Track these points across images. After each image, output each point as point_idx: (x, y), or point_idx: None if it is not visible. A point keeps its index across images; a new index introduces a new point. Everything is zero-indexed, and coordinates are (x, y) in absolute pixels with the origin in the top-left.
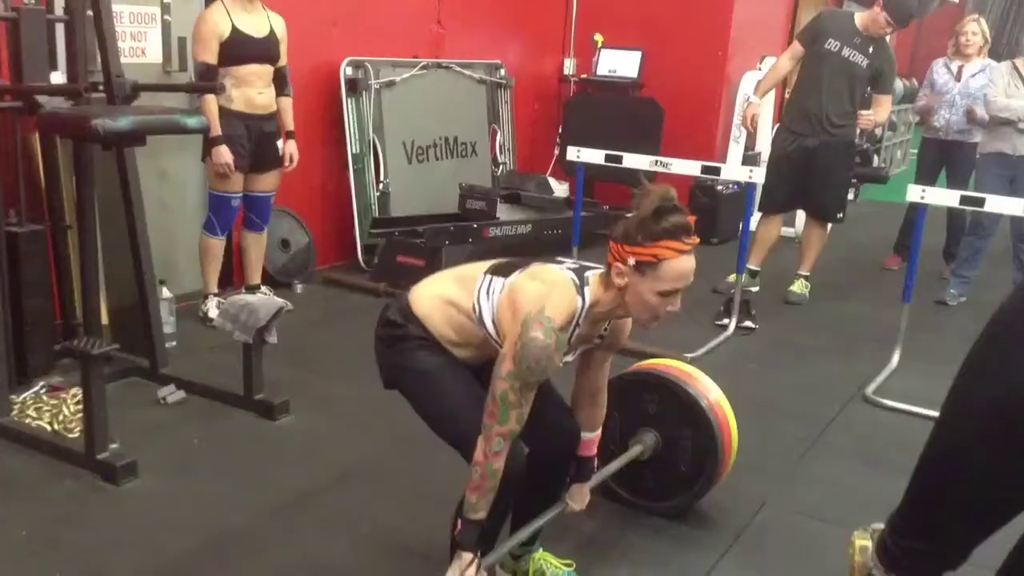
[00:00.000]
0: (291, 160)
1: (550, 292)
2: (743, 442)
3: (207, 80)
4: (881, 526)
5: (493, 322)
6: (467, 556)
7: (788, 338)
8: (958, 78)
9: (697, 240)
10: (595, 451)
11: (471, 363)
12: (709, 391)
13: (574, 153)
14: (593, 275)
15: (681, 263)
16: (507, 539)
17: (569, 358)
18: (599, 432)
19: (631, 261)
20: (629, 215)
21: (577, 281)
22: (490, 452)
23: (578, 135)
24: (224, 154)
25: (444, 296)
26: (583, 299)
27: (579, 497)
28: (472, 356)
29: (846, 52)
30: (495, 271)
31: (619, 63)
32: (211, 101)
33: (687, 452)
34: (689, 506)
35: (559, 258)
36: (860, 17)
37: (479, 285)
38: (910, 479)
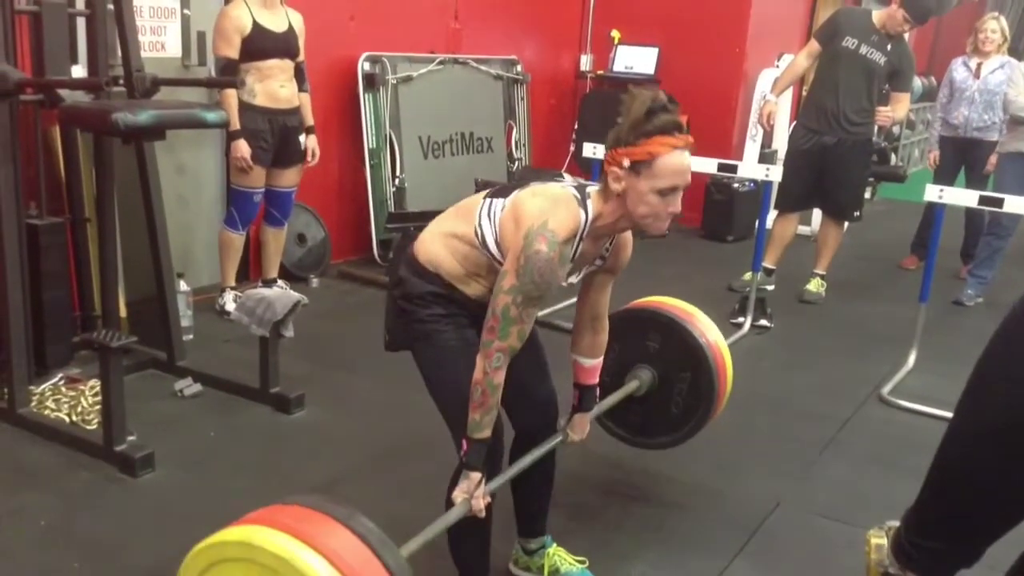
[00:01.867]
0: (313, 155)
1: (553, 207)
2: (757, 441)
3: (229, 74)
4: (896, 524)
5: (496, 243)
6: (475, 476)
7: (804, 337)
8: (977, 75)
9: (690, 138)
10: (597, 379)
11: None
12: (708, 331)
13: (590, 149)
14: (594, 190)
15: (675, 158)
16: (507, 549)
17: (574, 279)
18: (600, 360)
19: (626, 162)
20: (619, 120)
21: (579, 196)
22: (490, 368)
23: (594, 131)
24: (243, 148)
25: (445, 231)
26: (586, 212)
27: (580, 427)
28: (483, 291)
29: (864, 50)
30: (495, 194)
31: (636, 59)
32: (231, 95)
33: (682, 394)
34: (674, 446)
35: (558, 177)
36: (878, 15)
37: (479, 210)
38: (925, 479)
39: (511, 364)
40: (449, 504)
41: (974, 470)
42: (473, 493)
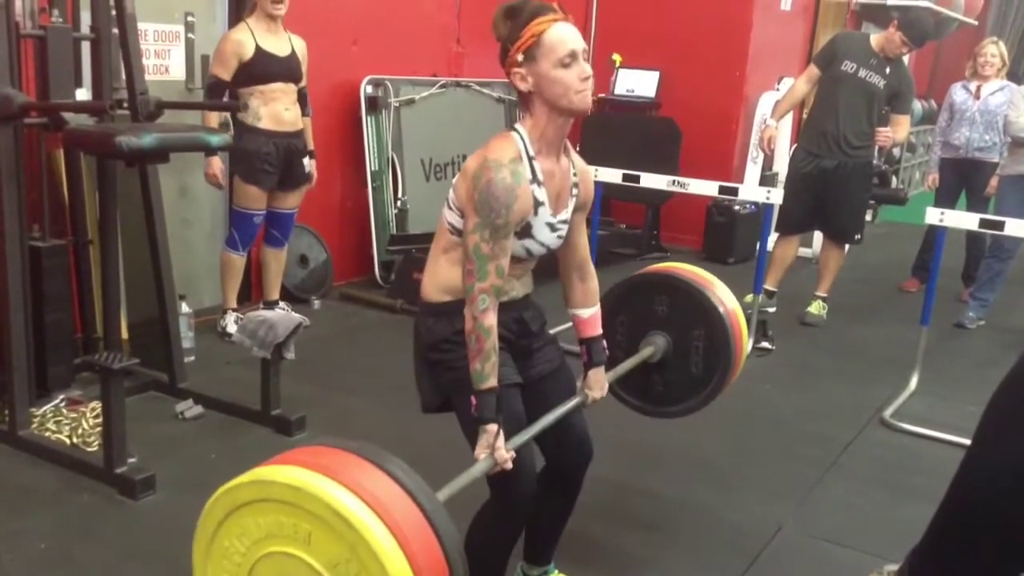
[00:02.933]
0: (310, 179)
1: (487, 147)
2: (759, 464)
3: (215, 92)
4: (894, 567)
5: (461, 214)
6: (492, 428)
7: (805, 360)
8: (977, 96)
9: (561, 14)
10: (600, 330)
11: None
12: (710, 283)
13: (591, 172)
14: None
15: (558, 28)
16: (515, 564)
17: (565, 215)
18: (598, 308)
19: (520, 57)
20: (497, 38)
21: (509, 129)
22: (478, 312)
23: (596, 154)
24: (215, 164)
25: (435, 252)
26: (519, 133)
27: (597, 383)
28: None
29: (863, 73)
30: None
31: (637, 83)
32: (212, 118)
33: (699, 352)
34: (704, 406)
35: None
36: (876, 38)
37: (442, 209)
38: (932, 522)
39: (544, 397)
40: (471, 405)
41: (986, 517)
42: (494, 445)
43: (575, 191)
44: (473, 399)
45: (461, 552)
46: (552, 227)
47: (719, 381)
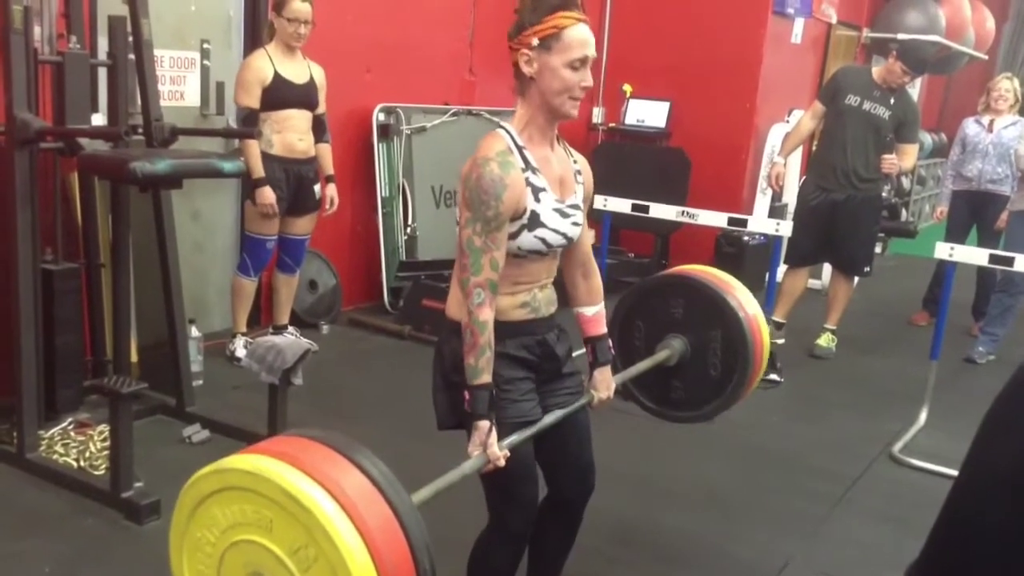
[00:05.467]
0: (331, 203)
1: (477, 149)
2: (766, 498)
3: (249, 124)
4: None
5: None
6: (483, 425)
7: (814, 393)
8: (990, 129)
9: (585, 15)
10: (604, 329)
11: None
12: (724, 281)
13: (601, 202)
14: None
15: (580, 29)
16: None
17: (572, 202)
18: (602, 306)
19: (535, 41)
20: (517, 11)
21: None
22: (473, 306)
23: (605, 184)
24: (268, 195)
25: (455, 271)
26: (505, 129)
27: (603, 384)
28: (521, 302)
29: (867, 106)
30: None
31: (647, 113)
32: (253, 145)
33: (717, 354)
34: (726, 408)
35: None
36: (877, 70)
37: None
38: (929, 535)
39: (555, 428)
40: (463, 399)
41: (979, 534)
42: (486, 442)
43: (579, 178)
44: (466, 394)
45: (427, 542)
46: (562, 213)
47: (738, 384)
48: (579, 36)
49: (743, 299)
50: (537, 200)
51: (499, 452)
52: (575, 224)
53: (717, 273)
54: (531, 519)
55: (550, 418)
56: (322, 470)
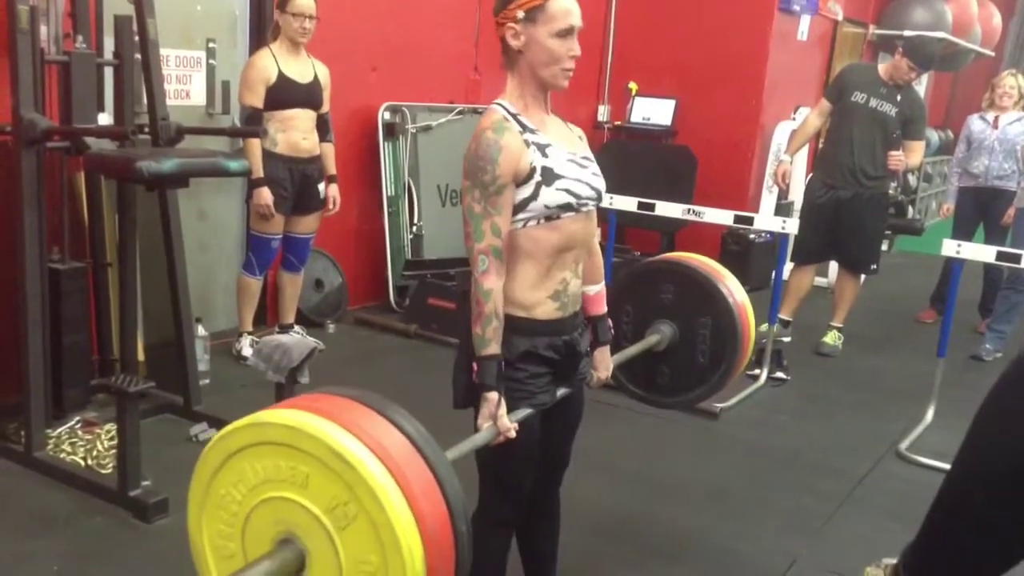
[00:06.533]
0: (334, 203)
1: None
2: (772, 496)
3: (253, 123)
4: (893, 561)
5: None
6: (493, 396)
7: (820, 390)
8: (995, 126)
9: None
10: (605, 308)
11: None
12: (714, 269)
13: (607, 200)
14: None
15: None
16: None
17: (586, 152)
18: (603, 285)
19: (520, 14)
20: None
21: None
22: (478, 274)
23: (611, 182)
24: (265, 196)
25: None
26: (499, 103)
27: (602, 364)
28: (549, 295)
29: (873, 103)
30: None
31: (653, 111)
32: (255, 144)
33: (705, 340)
34: (711, 395)
35: None
36: (883, 67)
37: None
38: (925, 520)
39: (546, 417)
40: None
41: (969, 517)
42: (496, 414)
43: (583, 140)
44: (474, 365)
45: (464, 504)
46: (578, 163)
47: (725, 372)
48: (563, 6)
49: (732, 287)
50: (545, 156)
51: (509, 424)
52: (595, 175)
53: (707, 260)
54: (520, 508)
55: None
56: (363, 427)
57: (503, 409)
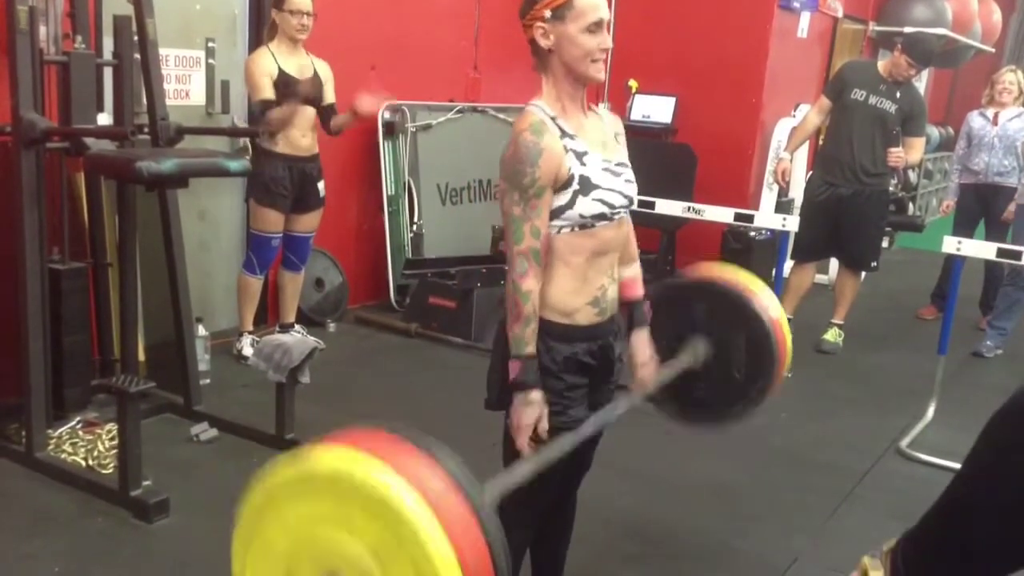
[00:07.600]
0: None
1: (512, 130)
2: (774, 494)
3: (268, 114)
4: (890, 544)
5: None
6: (535, 394)
7: (821, 388)
8: (995, 122)
9: None
10: (641, 291)
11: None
12: (746, 282)
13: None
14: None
15: None
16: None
17: (621, 158)
18: (638, 267)
19: (547, 13)
20: None
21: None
22: (516, 275)
23: None
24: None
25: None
26: (536, 104)
27: (641, 348)
28: (590, 300)
29: (873, 100)
30: None
31: (653, 109)
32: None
33: (740, 354)
34: (752, 408)
35: None
36: (883, 64)
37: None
38: (928, 517)
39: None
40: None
41: (972, 526)
42: (542, 415)
43: (620, 140)
44: (512, 366)
45: (502, 538)
46: (613, 172)
47: (763, 384)
48: (591, 1)
49: (767, 302)
50: (583, 164)
51: (546, 426)
52: (628, 182)
53: (739, 274)
54: (542, 511)
55: (589, 428)
56: (407, 467)
57: (546, 410)
